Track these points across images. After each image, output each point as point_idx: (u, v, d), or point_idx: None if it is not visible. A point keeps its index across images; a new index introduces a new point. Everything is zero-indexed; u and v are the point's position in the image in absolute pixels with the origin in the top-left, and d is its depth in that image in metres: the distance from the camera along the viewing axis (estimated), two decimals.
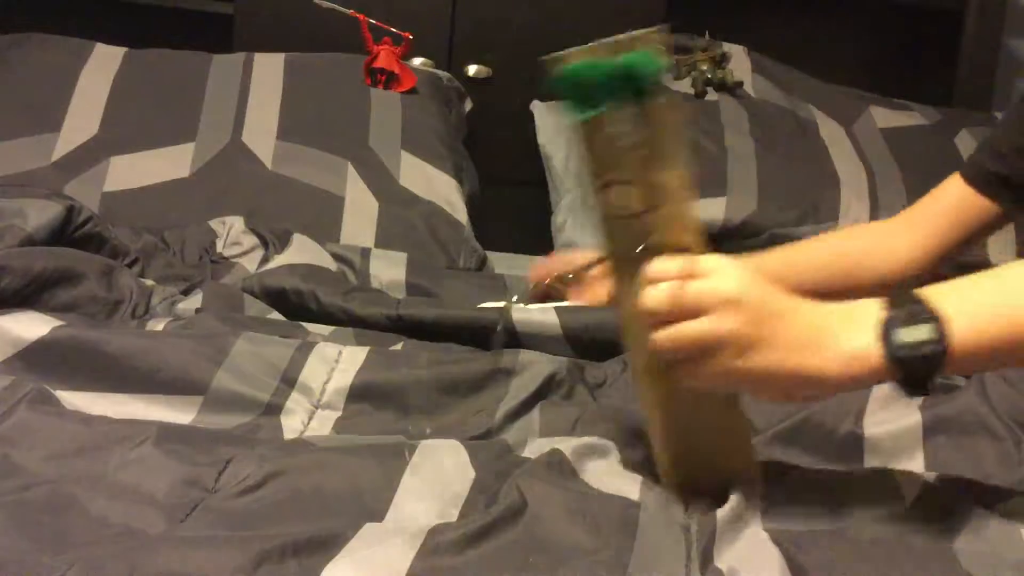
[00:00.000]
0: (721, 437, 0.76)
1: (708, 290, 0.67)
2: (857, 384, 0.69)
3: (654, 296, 0.68)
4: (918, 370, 0.67)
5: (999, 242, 1.62)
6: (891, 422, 0.85)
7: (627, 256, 0.71)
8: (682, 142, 0.71)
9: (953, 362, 0.67)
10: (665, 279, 0.68)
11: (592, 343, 1.09)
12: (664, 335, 0.68)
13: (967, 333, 0.67)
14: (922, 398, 0.88)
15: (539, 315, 1.10)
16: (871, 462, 0.84)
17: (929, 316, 0.67)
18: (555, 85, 0.71)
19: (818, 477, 0.78)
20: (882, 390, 0.89)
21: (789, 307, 0.69)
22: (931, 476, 0.77)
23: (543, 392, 0.93)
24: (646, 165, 0.69)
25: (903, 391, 0.69)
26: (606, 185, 0.71)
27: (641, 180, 0.70)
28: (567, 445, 0.80)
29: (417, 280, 1.37)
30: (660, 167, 0.70)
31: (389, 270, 1.39)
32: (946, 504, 0.72)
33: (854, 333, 0.68)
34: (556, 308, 1.12)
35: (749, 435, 0.79)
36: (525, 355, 0.97)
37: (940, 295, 0.69)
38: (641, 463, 0.82)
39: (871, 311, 0.68)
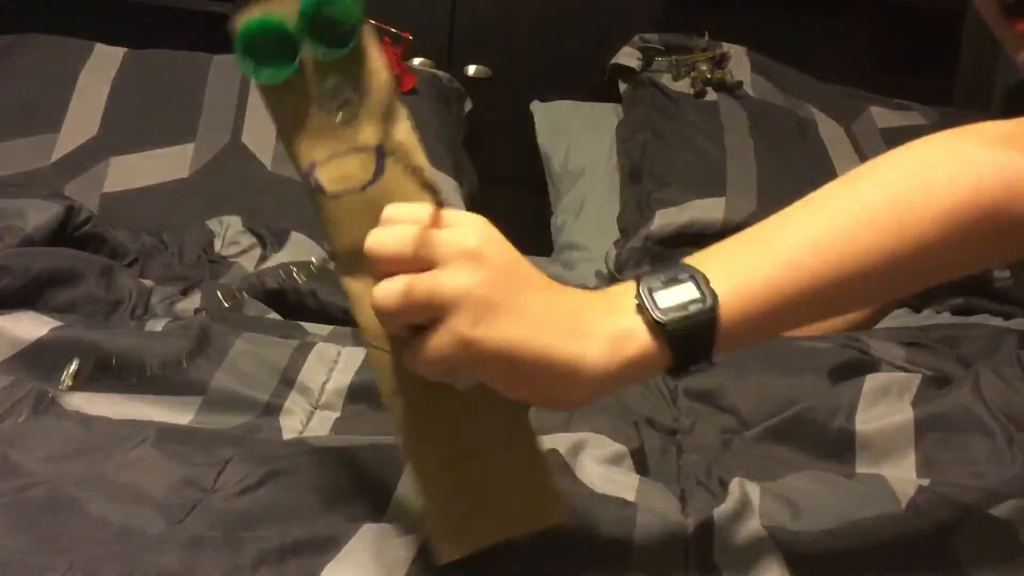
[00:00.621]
0: (506, 465, 0.59)
1: (447, 239, 0.56)
2: (625, 371, 0.57)
3: (383, 237, 0.56)
4: (689, 336, 0.57)
5: None
6: (883, 418, 0.85)
7: (359, 243, 0.56)
8: (393, 86, 0.58)
9: (727, 325, 0.58)
10: (400, 222, 0.56)
11: None
12: (386, 288, 0.55)
13: (736, 291, 0.59)
14: (915, 394, 0.88)
15: None
16: (863, 459, 0.84)
17: (688, 275, 0.59)
18: (238, 45, 0.58)
19: (814, 479, 0.78)
20: (874, 383, 0.89)
21: (541, 281, 0.60)
22: (926, 476, 0.77)
23: None
24: (365, 124, 0.57)
25: (679, 372, 0.59)
26: (319, 162, 0.58)
27: (362, 144, 0.57)
28: (562, 443, 0.80)
29: None
30: (382, 122, 0.58)
31: None
32: (942, 503, 0.72)
33: (615, 312, 0.59)
34: None
35: (545, 464, 0.61)
36: None
37: (700, 256, 0.61)
38: (635, 456, 0.82)
39: (628, 288, 0.60)
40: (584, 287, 0.64)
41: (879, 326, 1.30)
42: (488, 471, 0.59)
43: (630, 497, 0.74)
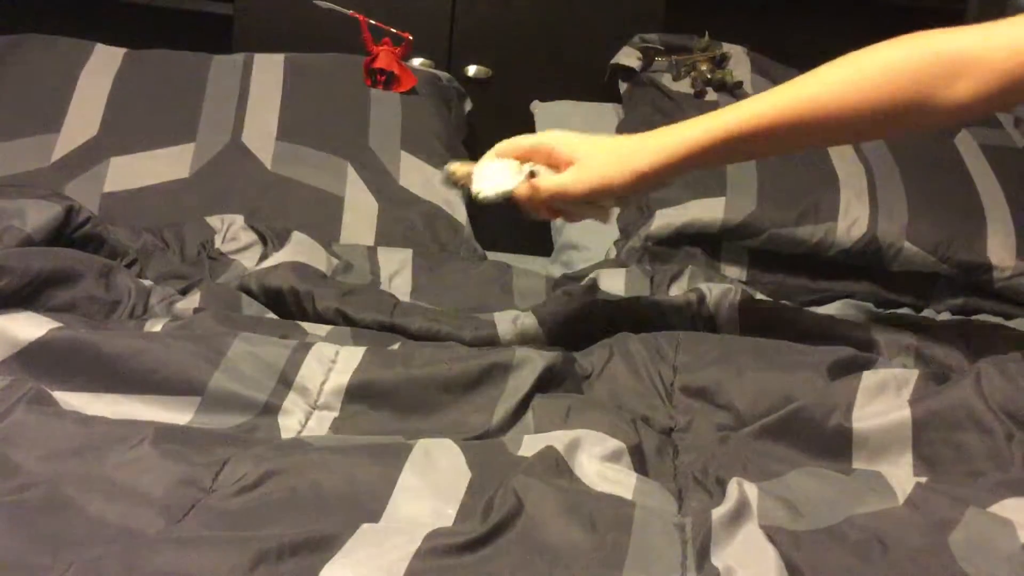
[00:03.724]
0: None
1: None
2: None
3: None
4: None
5: (999, 242, 1.62)
6: (880, 416, 0.85)
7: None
8: None
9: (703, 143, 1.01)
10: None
11: (580, 336, 1.10)
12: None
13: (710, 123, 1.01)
14: (912, 390, 0.88)
15: (525, 322, 1.11)
16: (859, 457, 0.84)
17: None
18: None
19: (812, 476, 0.78)
20: (871, 380, 0.89)
21: None
22: (923, 474, 0.77)
23: (539, 387, 0.93)
24: None
25: None
26: None
27: None
28: (560, 440, 0.80)
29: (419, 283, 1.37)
30: None
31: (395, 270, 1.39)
32: (939, 501, 0.72)
33: None
34: (535, 313, 1.13)
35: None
36: (520, 351, 0.97)
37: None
38: (633, 453, 0.83)
39: None
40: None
41: (890, 320, 1.30)
42: None
43: (628, 495, 0.74)
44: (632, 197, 1.08)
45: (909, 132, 1.10)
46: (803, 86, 1.03)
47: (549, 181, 1.02)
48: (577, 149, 1.04)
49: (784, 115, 1.00)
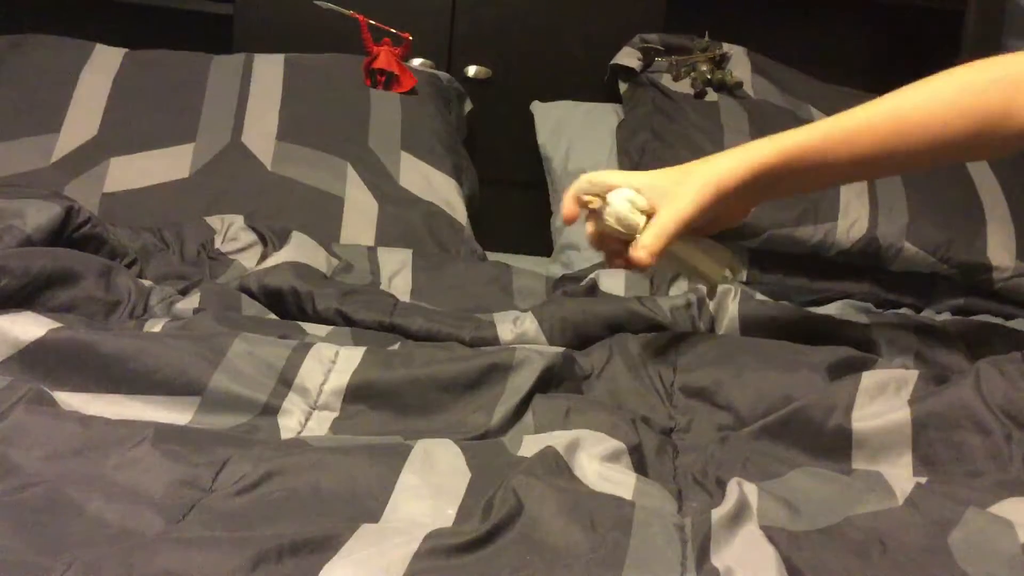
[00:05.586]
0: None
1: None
2: None
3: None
4: None
5: (999, 242, 1.62)
6: (880, 416, 0.85)
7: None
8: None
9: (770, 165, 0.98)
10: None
11: (580, 336, 1.10)
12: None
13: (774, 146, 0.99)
14: (912, 391, 0.88)
15: (525, 322, 1.11)
16: (859, 457, 0.84)
17: None
18: None
19: (812, 476, 0.78)
20: (871, 380, 0.89)
21: None
22: (923, 474, 0.77)
23: (539, 387, 0.93)
24: None
25: None
26: None
27: None
28: (560, 441, 0.80)
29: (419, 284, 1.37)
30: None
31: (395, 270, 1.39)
32: (938, 501, 0.72)
33: None
34: (535, 314, 1.13)
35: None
36: (521, 351, 0.97)
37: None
38: (633, 453, 0.82)
39: None
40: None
41: (890, 321, 1.30)
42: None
43: (627, 495, 0.74)
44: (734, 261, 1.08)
45: (995, 151, 1.03)
46: (882, 103, 1.03)
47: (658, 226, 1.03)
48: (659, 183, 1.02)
49: (870, 126, 1.00)
